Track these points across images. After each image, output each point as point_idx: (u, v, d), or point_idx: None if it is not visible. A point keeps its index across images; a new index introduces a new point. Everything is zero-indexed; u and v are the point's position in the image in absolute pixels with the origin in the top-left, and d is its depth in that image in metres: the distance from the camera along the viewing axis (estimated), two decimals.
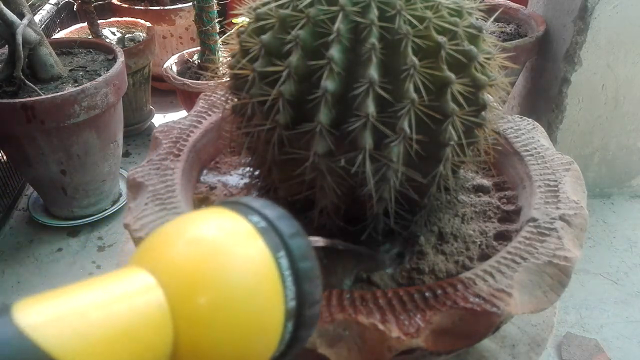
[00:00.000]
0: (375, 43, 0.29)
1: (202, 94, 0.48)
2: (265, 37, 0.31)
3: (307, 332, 0.21)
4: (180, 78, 1.49)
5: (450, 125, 0.30)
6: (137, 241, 0.36)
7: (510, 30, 1.40)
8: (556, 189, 0.39)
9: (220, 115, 0.47)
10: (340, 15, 0.29)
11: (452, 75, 0.29)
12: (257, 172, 0.38)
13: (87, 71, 1.27)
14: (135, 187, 0.39)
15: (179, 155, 0.42)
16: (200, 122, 0.46)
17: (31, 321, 0.15)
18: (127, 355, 0.17)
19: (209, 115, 0.47)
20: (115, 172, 1.36)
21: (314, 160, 0.30)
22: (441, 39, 0.29)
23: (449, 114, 0.30)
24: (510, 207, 0.41)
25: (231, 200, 0.21)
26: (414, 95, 0.29)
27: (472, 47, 0.31)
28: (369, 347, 0.29)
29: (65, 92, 1.12)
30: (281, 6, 0.30)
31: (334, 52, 0.29)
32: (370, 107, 0.29)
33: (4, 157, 1.35)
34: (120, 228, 1.36)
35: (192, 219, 0.20)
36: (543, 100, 1.41)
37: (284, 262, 0.19)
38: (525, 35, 1.35)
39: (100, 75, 1.20)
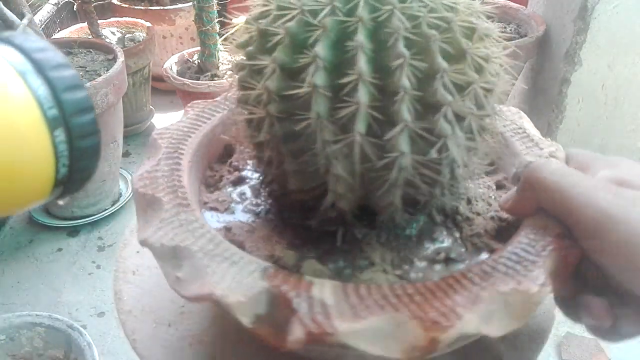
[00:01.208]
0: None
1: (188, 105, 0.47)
2: (290, 24, 0.30)
3: (88, 141, 0.20)
4: (180, 78, 1.49)
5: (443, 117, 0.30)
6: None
7: (510, 30, 1.40)
8: (532, 138, 0.42)
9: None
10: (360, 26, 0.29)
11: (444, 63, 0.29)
12: (267, 166, 0.38)
13: (87, 71, 1.27)
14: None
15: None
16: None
17: None
18: None
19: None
20: (115, 172, 1.36)
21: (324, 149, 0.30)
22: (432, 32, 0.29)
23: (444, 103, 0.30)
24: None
25: None
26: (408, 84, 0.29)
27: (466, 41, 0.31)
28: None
29: None
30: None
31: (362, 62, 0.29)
32: (406, 113, 0.29)
33: None
34: (120, 228, 1.37)
35: None
36: (543, 100, 1.41)
37: (31, 75, 0.19)
38: (525, 35, 1.35)
39: (100, 75, 1.20)
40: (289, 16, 0.30)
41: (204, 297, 0.28)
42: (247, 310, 0.28)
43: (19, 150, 0.19)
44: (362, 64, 0.29)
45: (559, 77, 1.34)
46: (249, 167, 0.43)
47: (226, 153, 0.45)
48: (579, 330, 1.05)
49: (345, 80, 0.29)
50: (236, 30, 0.35)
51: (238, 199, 0.40)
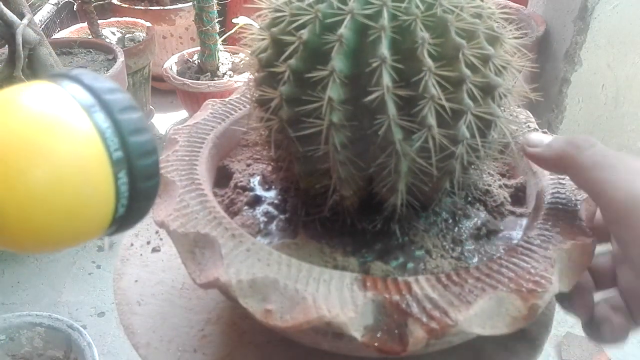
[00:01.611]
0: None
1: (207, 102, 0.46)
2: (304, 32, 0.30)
3: (148, 183, 0.21)
4: (180, 78, 1.49)
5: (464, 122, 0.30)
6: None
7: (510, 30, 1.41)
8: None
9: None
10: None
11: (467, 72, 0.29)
12: (279, 164, 0.37)
13: None
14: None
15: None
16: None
17: None
18: None
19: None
20: None
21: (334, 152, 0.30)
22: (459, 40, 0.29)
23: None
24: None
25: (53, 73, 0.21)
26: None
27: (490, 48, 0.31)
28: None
29: None
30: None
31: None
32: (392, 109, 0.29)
33: None
34: None
35: (9, 92, 0.19)
36: (543, 100, 1.41)
37: (100, 115, 0.19)
38: (525, 35, 1.35)
39: None
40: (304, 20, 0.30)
41: (312, 321, 0.27)
42: (358, 325, 0.28)
43: (84, 190, 0.19)
44: (385, 75, 0.29)
45: (559, 77, 1.34)
46: (256, 184, 0.41)
47: (224, 176, 0.43)
48: (579, 330, 1.05)
49: (369, 95, 0.29)
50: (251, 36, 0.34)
51: (265, 219, 0.38)
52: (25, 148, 0.18)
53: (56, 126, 0.19)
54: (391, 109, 0.29)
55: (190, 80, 1.47)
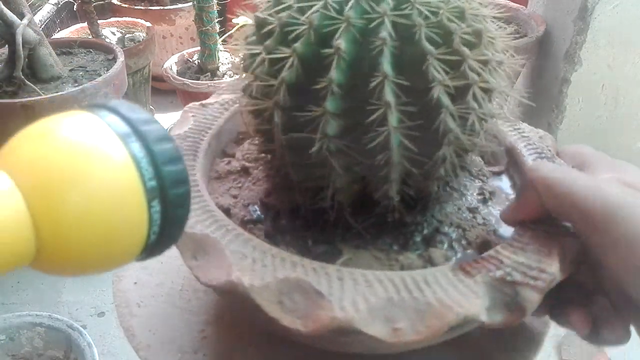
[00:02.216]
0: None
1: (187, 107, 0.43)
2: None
3: (178, 211, 0.22)
4: (180, 78, 1.49)
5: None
6: None
7: (511, 30, 1.40)
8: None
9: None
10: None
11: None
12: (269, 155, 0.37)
13: (87, 71, 1.27)
14: None
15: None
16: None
17: None
18: None
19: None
20: None
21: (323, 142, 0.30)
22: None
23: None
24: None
25: (91, 104, 0.22)
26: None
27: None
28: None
29: (65, 92, 1.12)
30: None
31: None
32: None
33: None
34: None
35: (50, 121, 0.20)
36: (543, 100, 1.41)
37: (136, 145, 0.20)
38: (525, 35, 1.35)
39: (100, 75, 1.20)
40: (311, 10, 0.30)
41: (451, 322, 0.28)
42: (483, 310, 0.28)
43: (118, 216, 0.20)
44: (386, 64, 0.29)
45: (559, 77, 1.34)
46: (259, 213, 0.38)
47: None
48: None
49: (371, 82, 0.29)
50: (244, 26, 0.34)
51: (301, 244, 0.35)
52: (65, 175, 0.19)
53: (94, 155, 0.19)
54: (390, 97, 0.29)
55: (190, 80, 1.47)
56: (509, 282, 0.29)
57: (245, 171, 0.41)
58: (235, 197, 0.39)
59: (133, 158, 0.20)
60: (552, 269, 0.29)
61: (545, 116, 1.40)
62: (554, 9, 1.36)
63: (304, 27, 0.30)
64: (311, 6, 0.30)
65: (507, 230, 0.36)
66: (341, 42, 0.29)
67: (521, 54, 1.28)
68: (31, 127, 0.20)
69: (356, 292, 0.28)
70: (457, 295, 0.28)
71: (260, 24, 0.32)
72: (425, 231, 0.36)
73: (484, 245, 0.35)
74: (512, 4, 1.45)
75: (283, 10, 0.31)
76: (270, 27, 0.31)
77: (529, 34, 1.36)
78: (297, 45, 0.30)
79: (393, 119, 0.29)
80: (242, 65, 0.34)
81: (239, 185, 0.40)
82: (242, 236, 0.32)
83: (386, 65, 0.29)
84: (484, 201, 0.39)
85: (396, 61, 0.29)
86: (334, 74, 0.29)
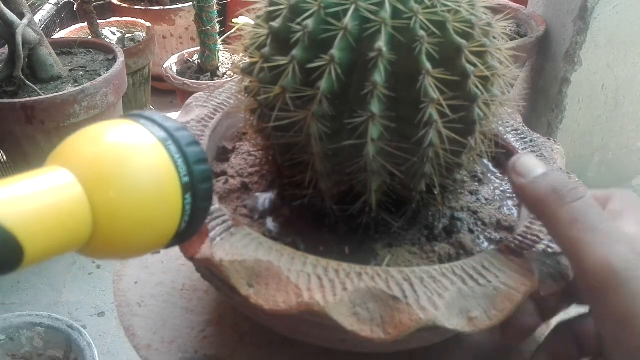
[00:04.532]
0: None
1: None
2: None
3: (204, 204, 0.26)
4: (180, 78, 1.49)
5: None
6: None
7: (510, 30, 1.41)
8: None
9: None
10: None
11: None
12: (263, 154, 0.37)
13: (87, 71, 1.27)
14: None
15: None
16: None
17: None
18: (58, 240, 0.21)
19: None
20: None
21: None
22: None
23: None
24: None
25: (132, 113, 0.26)
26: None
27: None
28: None
29: (65, 92, 1.12)
30: None
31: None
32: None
33: (4, 157, 1.35)
34: None
35: (101, 127, 0.24)
36: (543, 100, 1.41)
37: (173, 148, 0.24)
38: (525, 35, 1.35)
39: (100, 75, 1.20)
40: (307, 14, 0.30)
41: (526, 299, 0.29)
42: (540, 283, 0.29)
43: (159, 206, 0.24)
44: (378, 74, 0.29)
45: (559, 77, 1.34)
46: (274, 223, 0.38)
47: None
48: None
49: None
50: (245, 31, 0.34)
51: (311, 248, 0.35)
52: (117, 170, 0.23)
53: (141, 154, 0.24)
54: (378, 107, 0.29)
55: (190, 80, 1.47)
56: (550, 254, 0.30)
57: (245, 187, 0.40)
58: (247, 215, 0.37)
59: (171, 158, 0.24)
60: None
61: (545, 116, 1.40)
62: (554, 9, 1.36)
63: (299, 33, 0.29)
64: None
65: (510, 206, 0.39)
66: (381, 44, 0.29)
67: (521, 53, 1.28)
68: (83, 131, 0.24)
69: (428, 290, 0.29)
70: (516, 275, 0.29)
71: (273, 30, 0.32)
72: (444, 219, 0.37)
73: (500, 224, 0.37)
74: (512, 4, 1.45)
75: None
76: (276, 28, 0.31)
77: (529, 34, 1.36)
78: (295, 52, 0.29)
79: (433, 113, 0.29)
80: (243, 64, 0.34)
81: (244, 204, 0.38)
82: (294, 254, 0.30)
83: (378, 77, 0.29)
84: (480, 182, 0.41)
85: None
86: (377, 75, 0.29)
